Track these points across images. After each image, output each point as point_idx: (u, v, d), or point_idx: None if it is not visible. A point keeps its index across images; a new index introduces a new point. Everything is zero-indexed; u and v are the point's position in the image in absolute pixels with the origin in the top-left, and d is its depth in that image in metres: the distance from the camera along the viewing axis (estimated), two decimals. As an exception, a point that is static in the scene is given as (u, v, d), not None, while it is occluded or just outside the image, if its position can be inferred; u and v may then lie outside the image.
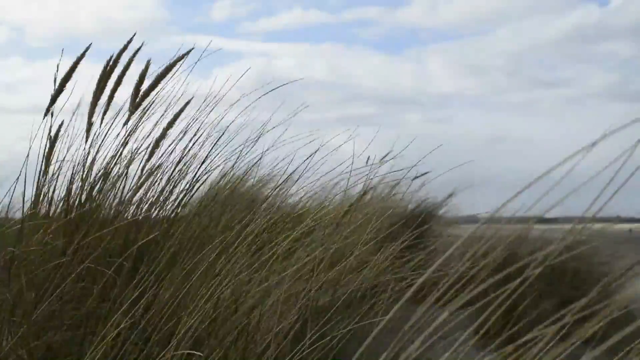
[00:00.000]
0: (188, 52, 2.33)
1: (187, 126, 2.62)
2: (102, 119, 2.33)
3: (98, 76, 2.30)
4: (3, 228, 2.16)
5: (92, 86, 2.34)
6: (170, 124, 2.36)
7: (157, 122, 2.43)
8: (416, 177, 4.27)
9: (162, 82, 2.33)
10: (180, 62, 2.31)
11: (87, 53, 2.30)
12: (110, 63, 2.29)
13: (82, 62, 2.31)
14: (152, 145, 2.36)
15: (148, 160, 2.37)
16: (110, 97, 2.30)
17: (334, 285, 2.38)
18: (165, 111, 2.46)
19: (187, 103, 2.42)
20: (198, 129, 2.65)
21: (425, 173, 4.29)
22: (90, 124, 2.28)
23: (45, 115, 2.23)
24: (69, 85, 2.25)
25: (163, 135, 2.36)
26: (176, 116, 2.38)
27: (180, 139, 2.57)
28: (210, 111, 2.65)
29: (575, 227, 0.89)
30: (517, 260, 0.87)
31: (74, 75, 2.26)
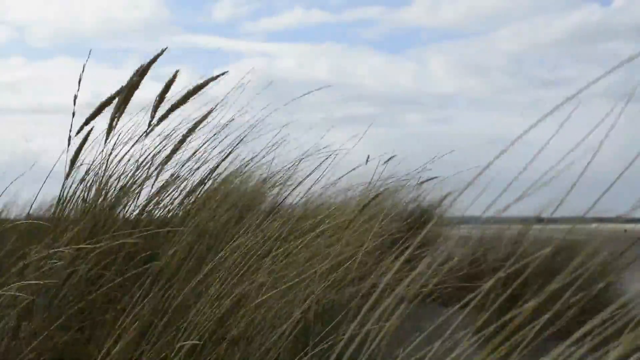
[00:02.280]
0: (223, 74, 2.34)
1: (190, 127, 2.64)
2: (112, 121, 2.33)
3: (126, 82, 2.29)
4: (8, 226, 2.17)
5: (105, 89, 2.35)
6: (191, 131, 2.38)
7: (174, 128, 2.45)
8: (420, 183, 4.27)
9: (191, 99, 2.34)
10: (214, 81, 2.31)
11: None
12: (141, 71, 2.28)
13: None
14: (169, 152, 2.38)
15: (164, 165, 2.38)
16: (122, 101, 2.30)
17: (337, 286, 2.39)
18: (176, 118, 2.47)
19: (209, 112, 2.44)
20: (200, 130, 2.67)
21: (432, 178, 4.29)
22: (111, 127, 2.29)
23: (95, 116, 2.23)
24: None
25: (182, 141, 2.38)
26: (197, 124, 2.40)
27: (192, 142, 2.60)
28: (226, 114, 2.68)
29: (574, 227, 0.91)
30: (517, 261, 0.88)
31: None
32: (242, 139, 2.81)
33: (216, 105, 2.54)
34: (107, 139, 2.31)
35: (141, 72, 2.30)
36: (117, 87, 2.40)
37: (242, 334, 1.91)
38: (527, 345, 0.87)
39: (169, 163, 2.52)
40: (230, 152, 2.79)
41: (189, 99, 2.32)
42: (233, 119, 2.69)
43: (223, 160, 2.76)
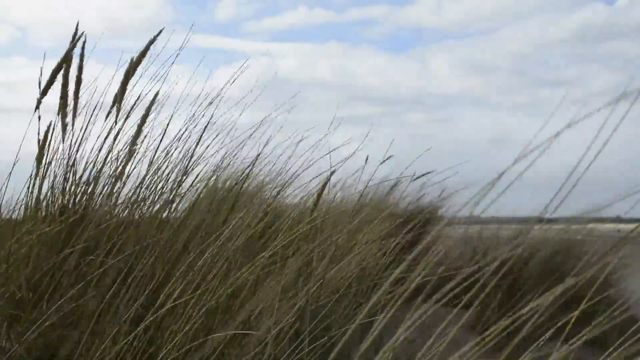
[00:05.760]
0: (159, 33, 2.30)
1: (186, 125, 2.63)
2: (73, 118, 2.29)
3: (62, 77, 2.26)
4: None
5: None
6: (143, 121, 2.34)
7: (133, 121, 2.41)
8: (416, 178, 4.25)
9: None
10: (144, 56, 2.27)
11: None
12: (64, 63, 2.25)
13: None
14: (129, 144, 2.34)
15: (128, 160, 2.35)
16: (72, 97, 2.26)
17: (333, 284, 2.38)
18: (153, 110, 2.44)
19: (156, 95, 2.38)
20: (198, 128, 2.65)
21: (427, 173, 4.27)
22: (65, 125, 2.26)
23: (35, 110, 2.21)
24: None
25: (138, 134, 2.34)
26: (147, 112, 2.35)
27: (181, 138, 2.57)
28: (221, 112, 2.66)
29: (571, 227, 0.89)
30: (516, 261, 0.87)
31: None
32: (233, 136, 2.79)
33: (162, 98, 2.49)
34: (63, 137, 2.29)
35: (133, 66, 2.29)
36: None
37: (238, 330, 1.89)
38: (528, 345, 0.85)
39: (167, 161, 2.50)
40: (235, 154, 2.78)
41: (130, 76, 2.29)
42: (219, 116, 2.67)
43: (230, 161, 2.74)
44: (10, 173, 2.13)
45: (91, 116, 2.37)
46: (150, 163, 2.44)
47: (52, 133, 2.22)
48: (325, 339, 1.94)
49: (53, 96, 2.24)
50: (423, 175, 4.21)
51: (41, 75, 2.17)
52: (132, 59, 2.28)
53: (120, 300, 1.81)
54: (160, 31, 2.31)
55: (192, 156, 2.52)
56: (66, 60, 2.20)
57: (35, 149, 2.21)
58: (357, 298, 2.49)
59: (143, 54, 2.28)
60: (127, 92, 2.32)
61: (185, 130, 2.57)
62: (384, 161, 3.72)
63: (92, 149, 2.35)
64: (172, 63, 2.44)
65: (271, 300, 1.87)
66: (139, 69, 2.34)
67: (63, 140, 2.27)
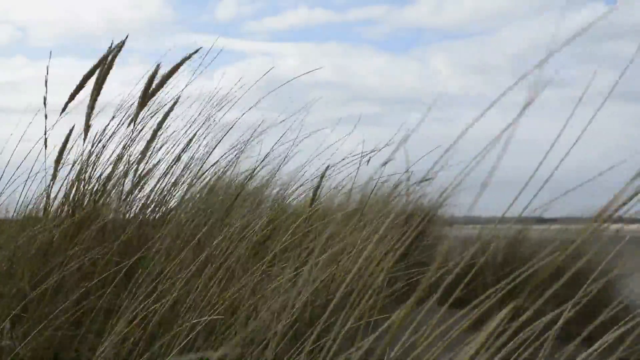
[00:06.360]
0: (195, 52, 2.33)
1: (189, 126, 2.63)
2: (88, 119, 2.30)
3: (95, 77, 2.27)
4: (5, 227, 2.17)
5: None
6: (160, 125, 2.35)
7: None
8: (421, 182, 4.24)
9: (169, 82, 2.32)
10: (187, 61, 2.29)
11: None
12: (106, 63, 2.26)
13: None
14: (143, 147, 2.35)
15: (140, 162, 2.35)
16: (95, 98, 2.27)
17: (332, 285, 2.38)
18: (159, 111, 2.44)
19: (175, 103, 2.40)
20: (199, 128, 2.66)
21: (429, 179, 4.26)
22: (88, 126, 2.27)
23: (61, 112, 2.22)
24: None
25: (153, 138, 2.35)
26: (165, 117, 2.36)
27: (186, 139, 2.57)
28: (217, 112, 2.66)
29: (573, 228, 0.90)
30: (517, 261, 0.87)
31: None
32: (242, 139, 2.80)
33: (177, 99, 2.49)
34: (85, 138, 2.30)
35: (150, 77, 2.30)
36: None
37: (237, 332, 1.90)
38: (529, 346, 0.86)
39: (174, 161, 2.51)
40: (237, 155, 2.78)
41: (167, 81, 2.29)
42: (223, 118, 2.68)
43: (231, 163, 2.75)
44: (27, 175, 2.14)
45: (113, 118, 2.39)
46: (157, 165, 2.45)
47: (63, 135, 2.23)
48: (325, 340, 1.94)
49: (54, 96, 2.25)
50: (426, 180, 4.20)
51: (47, 73, 2.18)
52: (157, 65, 2.29)
53: (125, 300, 1.81)
54: (197, 50, 2.34)
55: (193, 157, 2.53)
56: (103, 64, 2.21)
57: (36, 149, 2.22)
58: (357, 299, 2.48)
59: (174, 70, 2.29)
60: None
61: (188, 131, 2.58)
62: (386, 163, 3.71)
63: (105, 150, 2.37)
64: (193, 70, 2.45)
65: (271, 301, 1.88)
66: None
67: (84, 142, 2.29)
